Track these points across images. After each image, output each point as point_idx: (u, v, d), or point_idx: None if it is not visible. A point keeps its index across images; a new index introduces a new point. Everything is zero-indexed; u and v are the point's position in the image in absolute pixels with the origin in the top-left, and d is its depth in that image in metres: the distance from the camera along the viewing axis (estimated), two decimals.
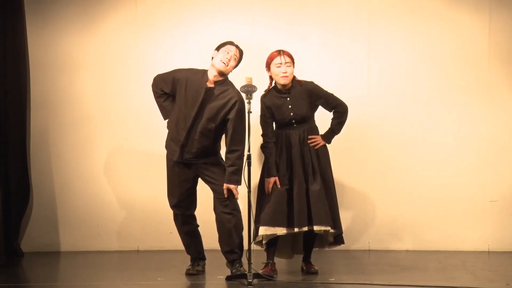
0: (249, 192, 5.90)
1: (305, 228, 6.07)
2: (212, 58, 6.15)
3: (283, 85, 6.20)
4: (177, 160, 6.14)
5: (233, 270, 6.09)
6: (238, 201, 6.18)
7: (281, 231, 6.05)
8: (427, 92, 7.31)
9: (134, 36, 7.36)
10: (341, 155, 7.23)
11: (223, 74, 6.11)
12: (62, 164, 7.36)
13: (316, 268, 6.28)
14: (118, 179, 7.37)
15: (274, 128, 6.26)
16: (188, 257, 6.35)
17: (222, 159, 6.20)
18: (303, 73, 7.36)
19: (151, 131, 7.32)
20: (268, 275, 5.97)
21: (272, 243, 6.16)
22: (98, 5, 7.35)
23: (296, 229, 6.05)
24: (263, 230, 6.06)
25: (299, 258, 6.42)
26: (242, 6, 7.35)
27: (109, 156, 7.38)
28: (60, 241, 7.37)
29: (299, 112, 6.18)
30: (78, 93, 7.38)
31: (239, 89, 5.96)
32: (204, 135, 6.07)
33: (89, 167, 7.36)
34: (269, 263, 6.18)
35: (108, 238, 7.36)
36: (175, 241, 6.33)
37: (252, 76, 5.97)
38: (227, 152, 6.08)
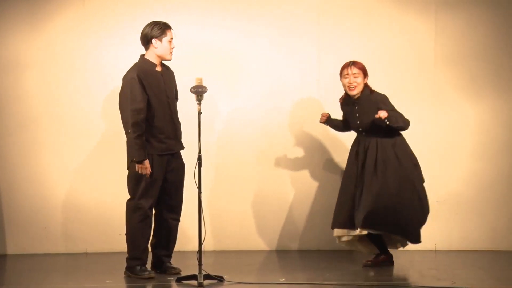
0: (199, 193, 5.89)
1: (364, 232, 6.32)
2: (151, 44, 6.12)
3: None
4: (178, 150, 6.23)
5: (170, 270, 6.26)
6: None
7: (343, 232, 6.42)
8: None
9: (82, 36, 7.29)
10: (295, 157, 7.28)
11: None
12: (9, 166, 7.25)
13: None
14: (65, 180, 7.29)
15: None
16: None
17: None
18: (253, 74, 7.40)
19: (99, 132, 7.27)
20: (218, 276, 5.96)
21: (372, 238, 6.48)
22: (45, 4, 7.26)
23: (357, 231, 6.33)
24: (334, 232, 6.50)
25: (251, 256, 6.43)
26: (191, 7, 7.33)
27: (56, 158, 7.29)
28: (6, 244, 7.26)
29: (365, 121, 6.37)
30: (24, 93, 7.28)
31: (189, 90, 5.94)
32: (177, 115, 6.25)
33: (36, 169, 7.27)
34: (376, 254, 6.54)
35: (56, 241, 7.28)
36: (124, 243, 6.27)
37: (202, 77, 5.96)
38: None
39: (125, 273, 6.24)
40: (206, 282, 5.85)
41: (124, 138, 6.14)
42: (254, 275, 6.39)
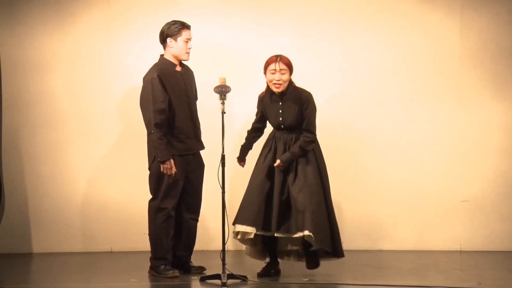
0: (223, 192, 5.90)
1: (282, 234, 6.06)
2: (167, 43, 6.14)
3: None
4: (198, 149, 6.26)
5: (195, 270, 6.29)
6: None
7: (252, 231, 6.05)
8: (398, 93, 7.35)
9: (107, 36, 7.33)
10: None
11: None
12: (35, 165, 7.31)
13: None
14: (90, 179, 7.33)
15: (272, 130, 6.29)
16: None
17: None
18: None
19: (124, 131, 7.30)
20: (242, 276, 5.97)
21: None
22: (71, 5, 7.31)
23: (270, 233, 6.07)
24: (237, 227, 6.08)
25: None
26: (215, 7, 7.34)
27: (81, 157, 7.33)
28: (32, 243, 7.32)
29: (288, 118, 6.15)
30: (50, 93, 7.33)
31: (213, 90, 5.95)
32: (197, 115, 6.28)
33: (62, 168, 7.32)
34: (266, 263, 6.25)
35: (81, 239, 7.32)
36: (148, 242, 6.31)
37: (226, 77, 5.97)
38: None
39: (149, 272, 6.27)
40: (230, 281, 5.86)
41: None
42: (277, 275, 6.38)
